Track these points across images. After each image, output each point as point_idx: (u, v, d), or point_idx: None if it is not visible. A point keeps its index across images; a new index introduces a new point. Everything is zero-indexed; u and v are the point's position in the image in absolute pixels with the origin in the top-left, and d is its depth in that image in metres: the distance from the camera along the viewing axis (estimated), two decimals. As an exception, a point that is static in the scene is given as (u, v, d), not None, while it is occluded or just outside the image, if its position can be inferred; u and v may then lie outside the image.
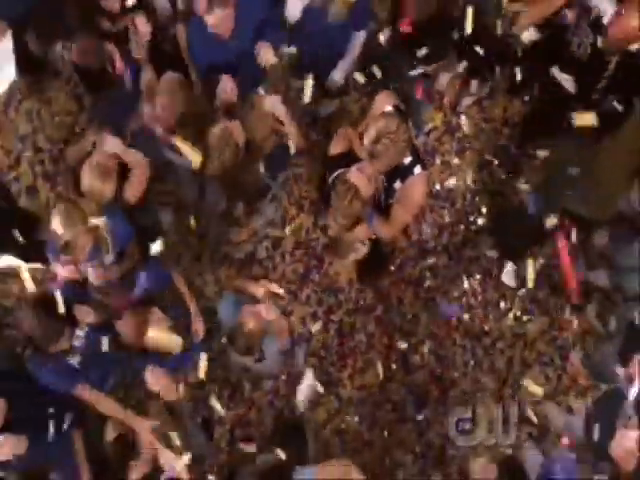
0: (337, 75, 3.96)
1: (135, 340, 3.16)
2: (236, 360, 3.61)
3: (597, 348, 3.96)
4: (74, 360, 3.12)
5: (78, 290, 3.26)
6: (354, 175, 3.15)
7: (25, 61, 4.04)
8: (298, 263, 4.20)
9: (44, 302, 3.06)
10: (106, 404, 3.26)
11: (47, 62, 3.97)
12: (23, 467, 3.16)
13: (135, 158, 3.44)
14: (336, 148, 3.41)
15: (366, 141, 3.16)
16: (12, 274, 3.94)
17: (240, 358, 3.50)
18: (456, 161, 4.36)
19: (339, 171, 3.28)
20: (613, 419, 3.14)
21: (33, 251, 3.74)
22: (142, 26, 3.62)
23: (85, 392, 3.19)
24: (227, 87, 3.60)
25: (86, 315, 3.12)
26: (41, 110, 4.25)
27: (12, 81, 4.23)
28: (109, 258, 3.25)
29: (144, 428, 3.19)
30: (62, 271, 3.31)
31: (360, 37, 3.83)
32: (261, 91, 3.57)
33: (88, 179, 3.26)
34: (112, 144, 3.36)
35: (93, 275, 3.20)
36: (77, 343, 3.09)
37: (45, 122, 4.26)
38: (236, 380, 4.02)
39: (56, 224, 3.11)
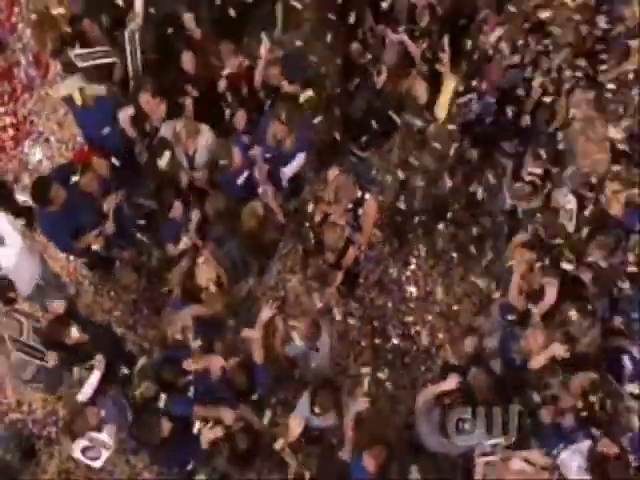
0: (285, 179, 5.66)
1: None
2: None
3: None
4: (190, 393, 4.68)
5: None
6: (333, 216, 5.08)
7: (95, 261, 5.82)
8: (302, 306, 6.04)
9: None
10: None
11: (111, 258, 5.83)
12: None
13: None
14: (317, 216, 5.29)
15: (329, 196, 5.11)
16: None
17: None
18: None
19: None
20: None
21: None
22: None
23: (200, 409, 4.67)
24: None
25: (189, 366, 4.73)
26: (116, 288, 6.16)
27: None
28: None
29: None
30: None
31: (301, 157, 5.50)
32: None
33: (205, 275, 4.93)
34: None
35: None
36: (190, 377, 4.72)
37: (120, 293, 6.16)
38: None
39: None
